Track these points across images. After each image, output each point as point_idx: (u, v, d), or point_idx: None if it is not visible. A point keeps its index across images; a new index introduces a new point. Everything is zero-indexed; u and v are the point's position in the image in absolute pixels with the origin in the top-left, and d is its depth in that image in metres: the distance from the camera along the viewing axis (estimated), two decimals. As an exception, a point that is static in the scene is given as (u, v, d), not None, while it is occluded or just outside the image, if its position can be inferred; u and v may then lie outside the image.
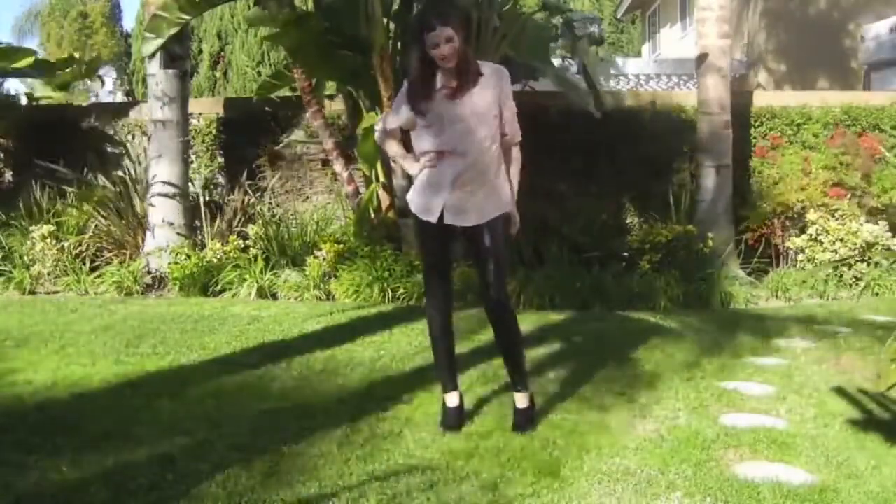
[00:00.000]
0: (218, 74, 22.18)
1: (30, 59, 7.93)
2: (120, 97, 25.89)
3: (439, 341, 3.50)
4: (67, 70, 8.72)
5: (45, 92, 9.58)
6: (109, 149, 8.21)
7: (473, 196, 3.28)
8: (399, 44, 7.22)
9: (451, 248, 3.48)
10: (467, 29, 3.09)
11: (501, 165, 3.36)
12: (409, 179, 6.72)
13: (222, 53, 22.29)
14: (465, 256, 3.80)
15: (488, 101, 3.26)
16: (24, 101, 9.81)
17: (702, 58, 7.44)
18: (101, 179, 7.75)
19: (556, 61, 8.15)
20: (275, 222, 7.60)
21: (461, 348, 3.97)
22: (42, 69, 8.35)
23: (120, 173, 7.81)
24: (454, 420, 3.44)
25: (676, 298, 6.29)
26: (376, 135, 3.59)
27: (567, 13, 7.28)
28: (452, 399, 3.49)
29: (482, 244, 3.31)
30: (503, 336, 3.45)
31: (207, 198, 8.05)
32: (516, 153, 3.44)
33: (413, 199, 3.41)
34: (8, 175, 8.64)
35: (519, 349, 3.55)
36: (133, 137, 8.49)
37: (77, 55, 9.77)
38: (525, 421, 3.42)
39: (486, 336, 4.57)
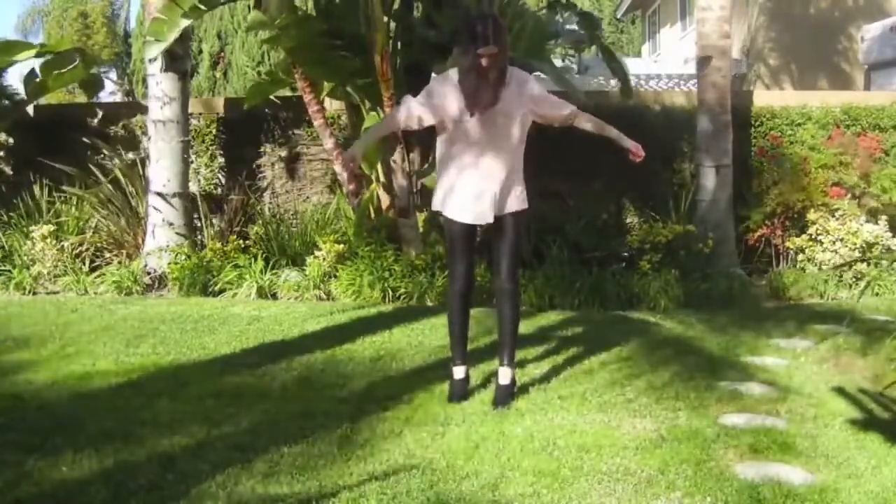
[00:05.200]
0: (218, 74, 22.23)
1: (31, 52, 7.84)
2: (120, 97, 25.92)
3: (456, 315, 3.86)
4: (68, 70, 8.67)
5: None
6: (109, 149, 8.19)
7: (504, 189, 3.70)
8: (399, 44, 7.21)
9: (475, 238, 3.89)
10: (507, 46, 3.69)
11: (521, 163, 3.79)
12: (410, 180, 6.80)
13: (222, 53, 22.33)
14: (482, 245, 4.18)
15: (517, 104, 3.67)
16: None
17: (702, 58, 7.44)
18: (102, 179, 7.74)
19: (557, 61, 8.13)
20: (275, 222, 7.59)
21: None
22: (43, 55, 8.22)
23: (120, 173, 7.80)
24: (459, 392, 3.79)
25: (676, 298, 6.29)
26: (401, 110, 3.77)
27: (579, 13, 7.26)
28: (459, 372, 3.86)
29: (504, 232, 3.75)
30: (506, 313, 3.81)
31: (207, 198, 8.05)
32: (586, 116, 3.92)
33: (449, 203, 3.74)
34: (8, 173, 8.62)
35: (516, 327, 3.86)
36: (133, 137, 8.49)
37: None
38: (505, 396, 3.72)
39: (490, 340, 4.58)
